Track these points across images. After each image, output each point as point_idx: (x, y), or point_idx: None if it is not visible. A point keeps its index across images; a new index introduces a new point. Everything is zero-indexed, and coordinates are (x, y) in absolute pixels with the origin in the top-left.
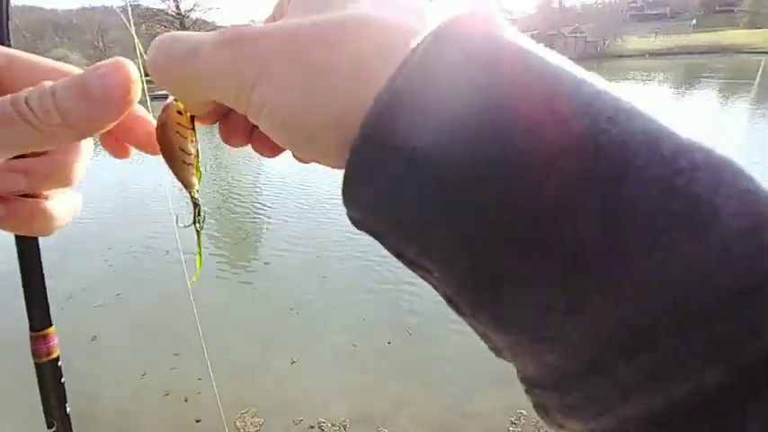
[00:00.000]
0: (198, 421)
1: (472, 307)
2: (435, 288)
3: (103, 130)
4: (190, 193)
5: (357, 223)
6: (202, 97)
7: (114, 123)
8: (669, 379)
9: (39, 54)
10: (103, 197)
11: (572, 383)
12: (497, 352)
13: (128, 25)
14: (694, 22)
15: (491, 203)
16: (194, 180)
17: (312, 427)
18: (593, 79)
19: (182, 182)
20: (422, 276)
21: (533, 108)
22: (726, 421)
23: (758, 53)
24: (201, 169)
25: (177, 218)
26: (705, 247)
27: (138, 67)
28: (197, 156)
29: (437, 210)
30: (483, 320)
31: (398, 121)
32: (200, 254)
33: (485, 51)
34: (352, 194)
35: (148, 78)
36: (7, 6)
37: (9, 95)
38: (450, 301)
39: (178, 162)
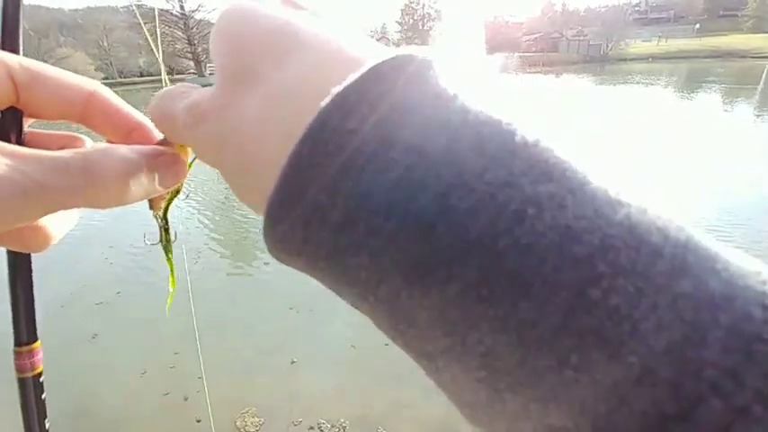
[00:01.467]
0: (198, 421)
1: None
2: None
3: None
4: (154, 214)
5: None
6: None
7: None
8: None
9: (43, 53)
10: None
11: None
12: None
13: (141, 25)
14: (698, 26)
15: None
16: (161, 203)
17: (312, 427)
18: (518, 143)
19: (149, 202)
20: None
21: (428, 203)
22: None
23: (762, 58)
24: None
25: (145, 235)
26: (623, 368)
27: (159, 60)
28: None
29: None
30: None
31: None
32: (171, 274)
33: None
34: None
35: (155, 78)
36: (18, 11)
37: (81, 152)
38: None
39: None
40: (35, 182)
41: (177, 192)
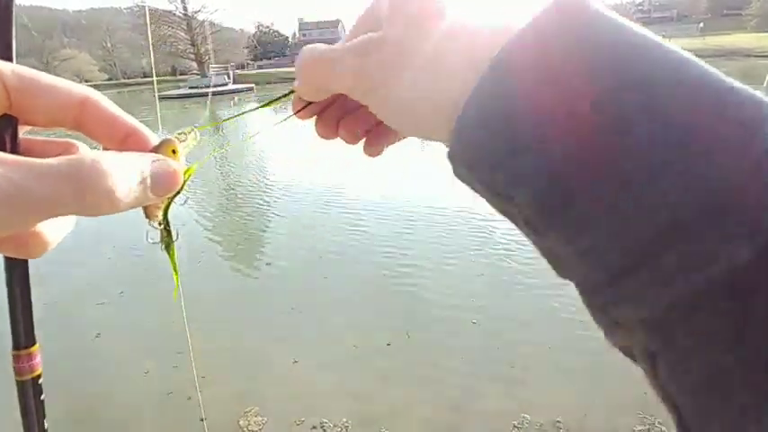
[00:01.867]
0: (202, 420)
1: (545, 224)
2: (513, 219)
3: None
4: (150, 222)
5: (457, 159)
6: (327, 87)
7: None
8: (703, 261)
9: (47, 53)
10: None
11: (626, 277)
12: (559, 270)
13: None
14: (701, 25)
15: (564, 145)
16: (157, 212)
17: (315, 427)
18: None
19: (144, 210)
20: (502, 209)
21: (622, 65)
22: (755, 298)
23: (766, 57)
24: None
25: (147, 233)
26: (746, 158)
27: (152, 66)
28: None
29: (534, 139)
30: (552, 238)
31: (510, 74)
32: (175, 273)
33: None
34: (465, 136)
35: (159, 78)
36: (10, 15)
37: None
38: (527, 224)
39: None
40: (22, 189)
41: (174, 196)
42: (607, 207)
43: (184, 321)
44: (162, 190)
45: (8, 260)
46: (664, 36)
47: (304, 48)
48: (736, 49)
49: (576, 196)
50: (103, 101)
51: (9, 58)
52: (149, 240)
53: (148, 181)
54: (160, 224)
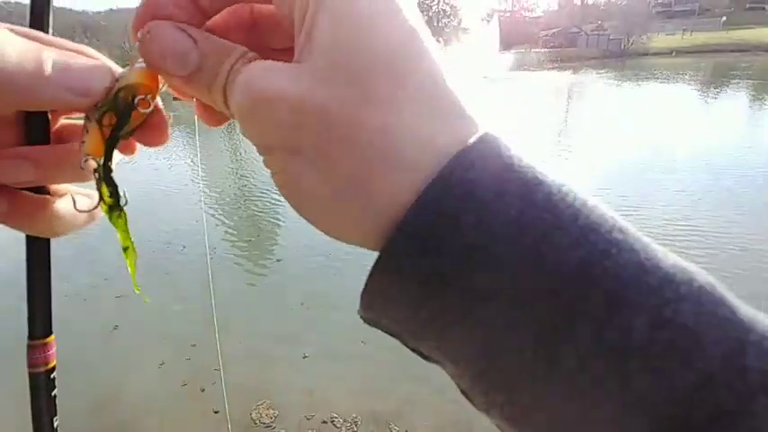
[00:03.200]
0: (216, 412)
1: (485, 405)
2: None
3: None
4: (85, 156)
5: (370, 319)
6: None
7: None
8: None
9: None
10: (129, 190)
11: None
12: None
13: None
14: (724, 19)
15: (500, 319)
16: (96, 141)
17: (325, 422)
18: (588, 206)
19: (81, 139)
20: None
21: (535, 240)
22: None
23: None
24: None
25: (75, 200)
26: (692, 373)
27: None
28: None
29: (461, 310)
30: (495, 416)
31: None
32: (130, 249)
33: (498, 183)
34: (381, 289)
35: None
36: (48, 17)
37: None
38: (463, 393)
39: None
40: None
41: (121, 129)
42: None
43: (213, 314)
44: (74, 83)
45: (30, 245)
46: (685, 30)
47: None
48: (760, 44)
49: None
50: (95, 52)
51: None
52: (77, 209)
53: (48, 66)
54: (96, 172)
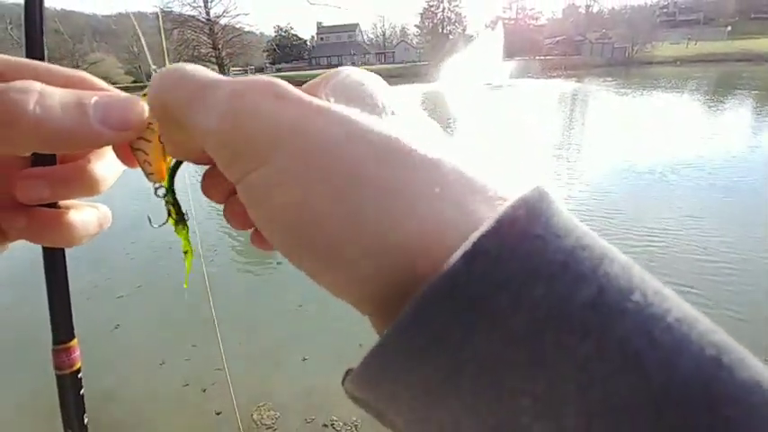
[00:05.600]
0: (218, 413)
1: None
2: None
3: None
4: (153, 182)
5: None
6: (194, 146)
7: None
8: None
9: (77, 57)
10: (131, 197)
11: None
12: None
13: (161, 30)
14: (729, 28)
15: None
16: (153, 167)
17: (326, 425)
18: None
19: (143, 169)
20: None
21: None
22: None
23: None
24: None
25: (150, 218)
26: None
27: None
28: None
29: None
30: None
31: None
32: (190, 255)
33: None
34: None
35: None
36: (41, 21)
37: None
38: None
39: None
40: None
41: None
42: None
43: (214, 321)
44: (113, 120)
45: (47, 255)
46: (689, 39)
47: (162, 70)
48: (765, 54)
49: None
50: (96, 79)
51: (42, 59)
52: (154, 225)
53: (90, 110)
54: (165, 194)
